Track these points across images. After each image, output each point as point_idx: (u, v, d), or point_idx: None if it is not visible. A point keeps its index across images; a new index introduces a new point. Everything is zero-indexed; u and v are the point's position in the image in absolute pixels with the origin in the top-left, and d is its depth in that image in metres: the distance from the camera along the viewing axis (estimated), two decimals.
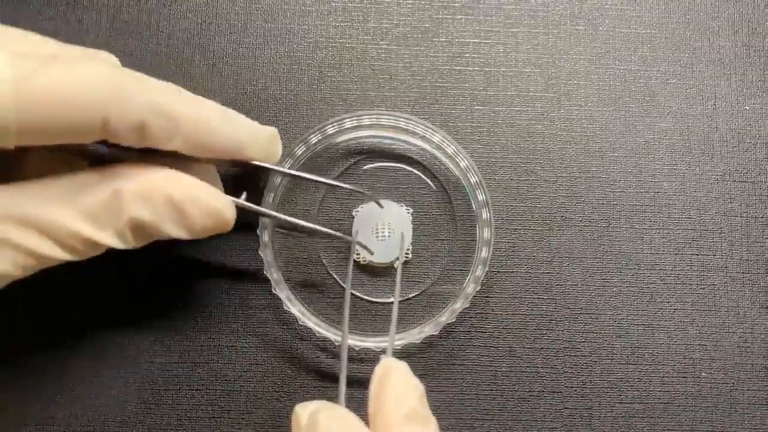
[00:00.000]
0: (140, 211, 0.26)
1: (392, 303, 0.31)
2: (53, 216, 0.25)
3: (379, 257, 0.33)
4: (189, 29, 0.35)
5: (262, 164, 0.30)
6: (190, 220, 0.27)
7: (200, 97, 0.28)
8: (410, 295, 0.34)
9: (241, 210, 0.30)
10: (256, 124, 0.30)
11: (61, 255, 0.26)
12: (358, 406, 0.33)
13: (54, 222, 0.25)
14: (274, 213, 0.32)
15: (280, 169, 0.32)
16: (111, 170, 0.27)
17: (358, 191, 0.33)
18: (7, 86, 0.22)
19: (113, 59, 0.28)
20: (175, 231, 0.27)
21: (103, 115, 0.24)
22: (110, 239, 0.26)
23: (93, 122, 0.24)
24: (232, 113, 0.29)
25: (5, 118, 0.22)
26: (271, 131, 0.31)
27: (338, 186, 0.33)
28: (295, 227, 0.34)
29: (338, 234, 0.33)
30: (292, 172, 0.32)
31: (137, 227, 0.27)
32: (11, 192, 0.25)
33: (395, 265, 0.34)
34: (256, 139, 0.30)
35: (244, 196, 0.31)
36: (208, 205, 0.28)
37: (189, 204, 0.27)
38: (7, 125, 0.22)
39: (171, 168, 0.27)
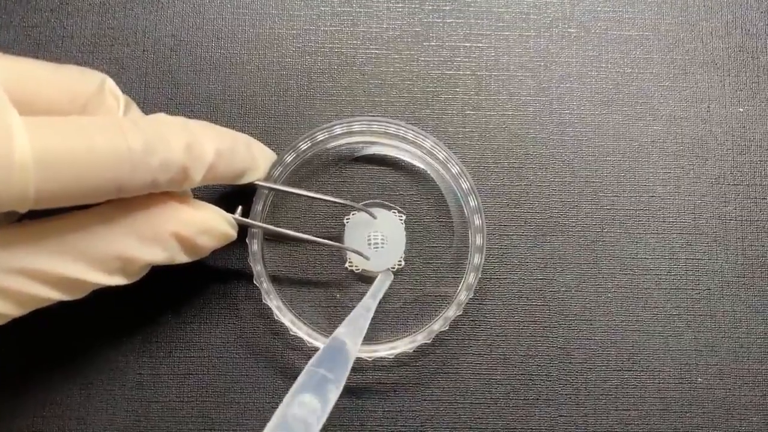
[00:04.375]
0: (155, 257, 0.27)
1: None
2: (65, 270, 0.25)
3: (372, 265, 0.33)
4: (176, 35, 0.35)
5: (258, 183, 0.31)
6: (203, 248, 0.29)
7: (209, 131, 0.28)
8: (403, 303, 0.33)
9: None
10: (260, 150, 0.31)
11: (66, 298, 0.26)
12: (362, 413, 0.33)
13: (64, 275, 0.25)
14: (274, 227, 0.32)
15: (271, 185, 0.32)
16: (111, 211, 0.27)
17: (351, 205, 0.33)
18: (29, 160, 0.22)
19: (109, 82, 0.27)
20: (186, 259, 0.28)
21: (117, 183, 0.25)
22: (121, 280, 0.27)
23: (107, 189, 0.25)
24: (241, 143, 0.30)
25: (27, 190, 0.23)
26: (273, 154, 0.32)
27: (330, 201, 0.33)
28: (291, 239, 0.33)
29: (336, 244, 0.32)
30: (283, 188, 0.32)
31: (149, 265, 0.28)
32: (19, 240, 0.25)
33: (391, 268, 0.33)
34: (264, 166, 0.31)
35: (239, 210, 0.30)
36: (218, 232, 0.29)
37: (200, 236, 0.28)
38: (28, 196, 0.23)
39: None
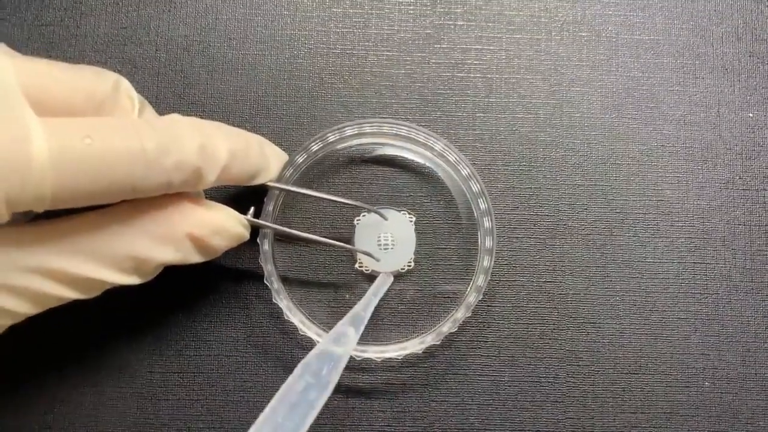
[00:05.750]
0: (168, 257, 0.27)
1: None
2: (79, 269, 0.26)
3: (382, 266, 0.33)
4: (188, 36, 0.35)
5: (269, 184, 0.31)
6: (216, 249, 0.29)
7: (223, 131, 0.28)
8: (412, 304, 0.34)
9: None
10: (271, 150, 0.31)
11: (80, 296, 0.27)
12: (370, 414, 0.33)
13: (79, 274, 0.26)
14: (285, 228, 0.32)
15: (283, 186, 0.32)
16: (125, 212, 0.27)
17: (361, 206, 0.33)
18: (46, 160, 0.23)
19: (124, 83, 0.27)
20: (199, 259, 0.29)
21: (131, 184, 0.25)
22: (134, 280, 0.27)
23: (122, 190, 0.25)
24: (254, 144, 0.30)
25: (44, 190, 0.23)
26: (284, 155, 0.32)
27: (341, 202, 0.33)
28: (301, 239, 0.33)
29: (346, 245, 0.33)
30: (294, 189, 0.32)
31: (162, 265, 0.28)
32: (34, 240, 0.25)
33: (401, 270, 0.33)
34: (276, 167, 0.31)
35: (251, 211, 0.30)
36: (231, 232, 0.29)
37: (213, 237, 0.28)
38: (45, 196, 0.23)
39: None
